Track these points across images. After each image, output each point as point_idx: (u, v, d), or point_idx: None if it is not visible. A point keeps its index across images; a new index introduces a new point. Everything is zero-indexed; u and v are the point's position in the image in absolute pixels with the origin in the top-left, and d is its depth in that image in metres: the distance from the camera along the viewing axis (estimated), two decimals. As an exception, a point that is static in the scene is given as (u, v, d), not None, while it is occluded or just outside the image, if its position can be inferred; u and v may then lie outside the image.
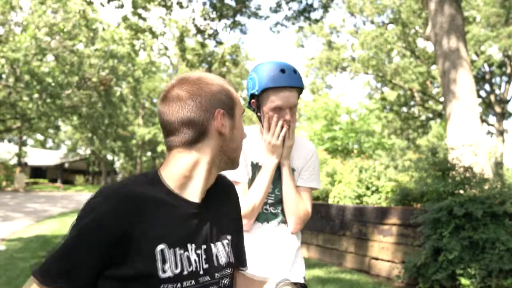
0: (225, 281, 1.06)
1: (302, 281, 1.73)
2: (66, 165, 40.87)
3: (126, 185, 0.98)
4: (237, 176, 1.66)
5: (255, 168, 1.72)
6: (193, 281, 0.98)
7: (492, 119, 25.15)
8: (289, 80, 1.63)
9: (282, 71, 1.62)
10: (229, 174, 1.63)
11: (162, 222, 0.96)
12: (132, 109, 44.31)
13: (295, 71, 1.66)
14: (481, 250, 4.05)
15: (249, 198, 1.66)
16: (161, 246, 0.95)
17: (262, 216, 1.72)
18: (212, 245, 1.05)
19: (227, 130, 1.04)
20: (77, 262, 0.92)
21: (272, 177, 1.69)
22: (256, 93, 1.66)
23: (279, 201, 1.74)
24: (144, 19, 13.10)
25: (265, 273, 1.53)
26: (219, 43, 14.27)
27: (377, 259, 5.52)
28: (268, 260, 1.67)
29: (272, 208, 1.74)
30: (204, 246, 1.02)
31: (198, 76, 1.04)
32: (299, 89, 1.68)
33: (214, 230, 1.06)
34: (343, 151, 13.56)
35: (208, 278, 1.01)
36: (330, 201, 7.56)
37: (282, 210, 1.74)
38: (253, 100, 1.70)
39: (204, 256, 1.02)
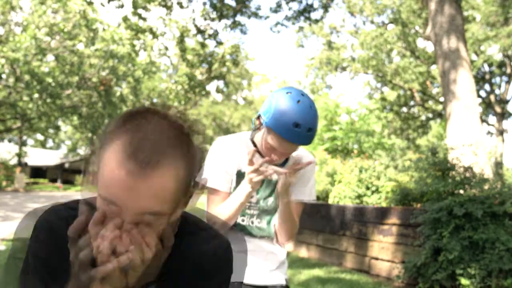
0: None
1: (284, 282, 1.71)
2: (66, 165, 40.85)
3: None
4: (216, 184, 1.60)
5: (242, 177, 1.61)
6: None
7: (492, 119, 25.16)
8: (298, 138, 1.50)
9: (297, 125, 1.47)
10: (209, 181, 1.59)
11: None
12: (132, 109, 44.26)
13: (310, 129, 1.50)
14: (481, 250, 4.05)
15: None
16: None
17: (245, 230, 1.66)
18: None
19: None
20: None
21: (242, 204, 1.57)
22: (263, 122, 1.56)
23: (264, 213, 1.68)
24: (144, 19, 13.11)
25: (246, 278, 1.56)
26: (219, 43, 14.27)
27: (377, 259, 5.53)
28: (249, 270, 1.61)
29: (257, 221, 1.68)
30: None
31: None
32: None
33: None
34: (343, 151, 13.56)
35: None
36: (330, 201, 7.56)
37: (268, 224, 1.69)
38: (259, 120, 1.60)
39: None
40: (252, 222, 1.68)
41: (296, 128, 1.47)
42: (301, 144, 1.54)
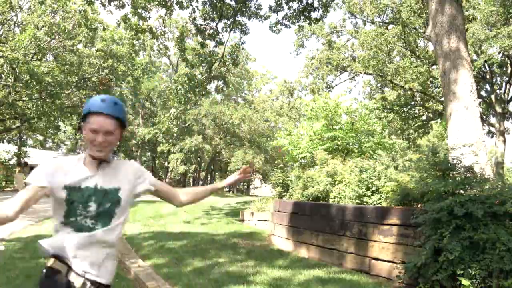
0: None
1: (107, 282, 1.98)
2: (66, 165, 40.79)
3: None
4: (31, 178, 1.97)
5: (71, 189, 1.92)
6: None
7: (492, 119, 25.13)
8: (107, 108, 1.88)
9: (103, 100, 1.90)
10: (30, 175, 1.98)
11: None
12: (132, 109, 44.30)
13: (116, 103, 1.93)
14: (482, 250, 4.03)
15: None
16: None
17: (78, 226, 1.93)
18: None
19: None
20: None
21: None
22: (82, 120, 1.92)
23: (99, 216, 1.93)
24: (144, 19, 13.10)
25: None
26: (219, 43, 14.24)
27: (377, 259, 5.50)
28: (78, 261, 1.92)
29: (91, 222, 1.93)
30: None
31: None
32: (117, 118, 1.91)
33: None
34: (343, 151, 13.54)
35: None
36: (330, 201, 7.54)
37: (102, 225, 1.94)
38: (82, 122, 1.95)
39: None
40: (86, 223, 1.95)
41: (103, 103, 1.90)
42: (112, 114, 1.89)
